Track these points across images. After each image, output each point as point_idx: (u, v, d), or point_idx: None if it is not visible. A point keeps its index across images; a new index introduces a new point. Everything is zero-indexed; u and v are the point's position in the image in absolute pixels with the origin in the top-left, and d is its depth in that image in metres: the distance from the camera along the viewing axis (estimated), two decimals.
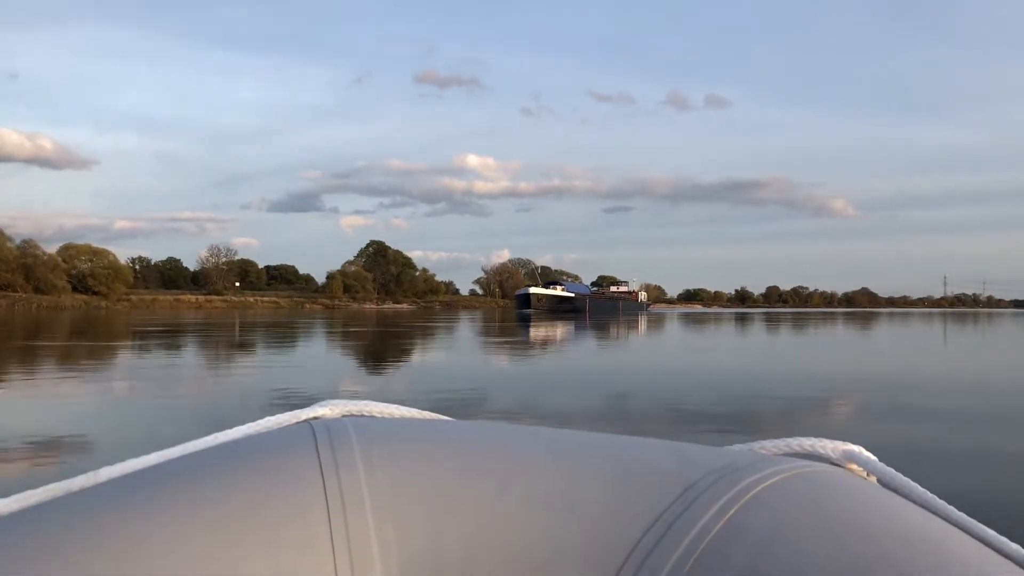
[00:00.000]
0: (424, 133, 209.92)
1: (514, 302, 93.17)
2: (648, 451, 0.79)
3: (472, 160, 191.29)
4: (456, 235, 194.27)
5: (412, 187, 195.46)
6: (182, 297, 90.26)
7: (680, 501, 0.70)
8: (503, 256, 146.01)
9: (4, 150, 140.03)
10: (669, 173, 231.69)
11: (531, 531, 0.70)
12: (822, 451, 0.82)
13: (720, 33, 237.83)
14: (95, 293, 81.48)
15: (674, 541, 0.66)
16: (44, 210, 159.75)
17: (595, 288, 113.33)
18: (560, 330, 28.61)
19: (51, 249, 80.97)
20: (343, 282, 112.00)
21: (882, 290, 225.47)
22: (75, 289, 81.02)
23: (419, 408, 0.93)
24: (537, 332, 26.62)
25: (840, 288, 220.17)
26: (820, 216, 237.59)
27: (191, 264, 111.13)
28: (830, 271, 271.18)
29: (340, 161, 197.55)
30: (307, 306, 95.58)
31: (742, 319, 52.90)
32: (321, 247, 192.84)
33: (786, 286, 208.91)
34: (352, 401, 0.89)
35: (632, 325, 35.91)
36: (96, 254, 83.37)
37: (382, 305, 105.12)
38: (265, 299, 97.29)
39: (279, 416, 0.85)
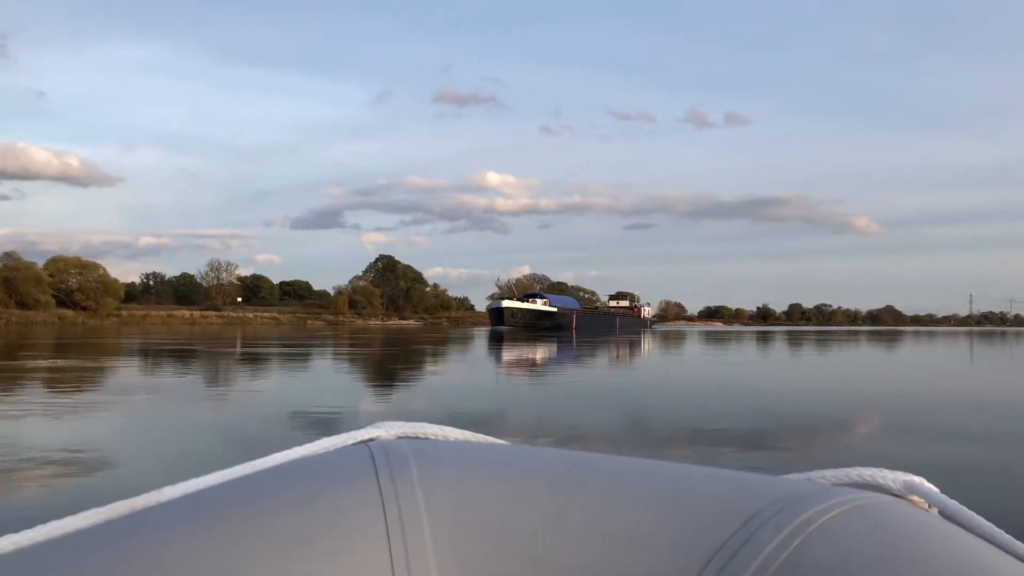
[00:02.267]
0: (444, 151, 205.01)
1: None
2: (708, 480, 0.77)
3: (492, 178, 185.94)
4: (477, 252, 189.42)
5: (433, 204, 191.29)
6: (176, 313, 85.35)
7: (742, 531, 0.68)
8: (523, 273, 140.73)
9: (32, 168, 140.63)
10: (689, 190, 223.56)
11: (591, 559, 0.69)
12: (883, 481, 0.79)
13: (738, 50, 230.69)
14: (83, 308, 76.83)
15: (736, 572, 0.65)
16: (71, 227, 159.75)
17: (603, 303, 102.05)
18: (522, 352, 22.71)
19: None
20: (350, 297, 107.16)
21: (907, 308, 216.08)
22: (63, 304, 76.42)
23: (472, 431, 0.91)
24: (490, 356, 20.71)
25: (864, 306, 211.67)
26: (842, 233, 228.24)
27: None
28: (854, 289, 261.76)
29: (362, 178, 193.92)
30: (310, 322, 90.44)
31: (764, 338, 46.39)
32: (343, 264, 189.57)
33: (809, 304, 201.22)
34: (408, 423, 0.87)
35: (627, 346, 29.56)
36: (85, 267, 78.70)
37: (387, 321, 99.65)
38: (265, 315, 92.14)
39: (336, 437, 0.84)
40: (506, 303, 75.69)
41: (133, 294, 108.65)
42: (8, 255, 73.50)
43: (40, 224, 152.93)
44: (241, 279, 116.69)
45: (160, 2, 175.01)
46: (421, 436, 0.85)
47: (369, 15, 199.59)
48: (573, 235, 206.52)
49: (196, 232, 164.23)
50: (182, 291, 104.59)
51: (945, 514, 0.74)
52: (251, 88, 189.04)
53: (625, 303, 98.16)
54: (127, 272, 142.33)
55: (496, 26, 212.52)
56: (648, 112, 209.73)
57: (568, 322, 75.36)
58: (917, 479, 0.78)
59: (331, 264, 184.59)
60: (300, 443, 0.81)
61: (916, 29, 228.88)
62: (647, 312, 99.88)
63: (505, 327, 68.85)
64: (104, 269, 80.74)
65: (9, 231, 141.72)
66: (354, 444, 0.82)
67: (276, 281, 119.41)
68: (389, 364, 17.01)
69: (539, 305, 77.10)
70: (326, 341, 31.50)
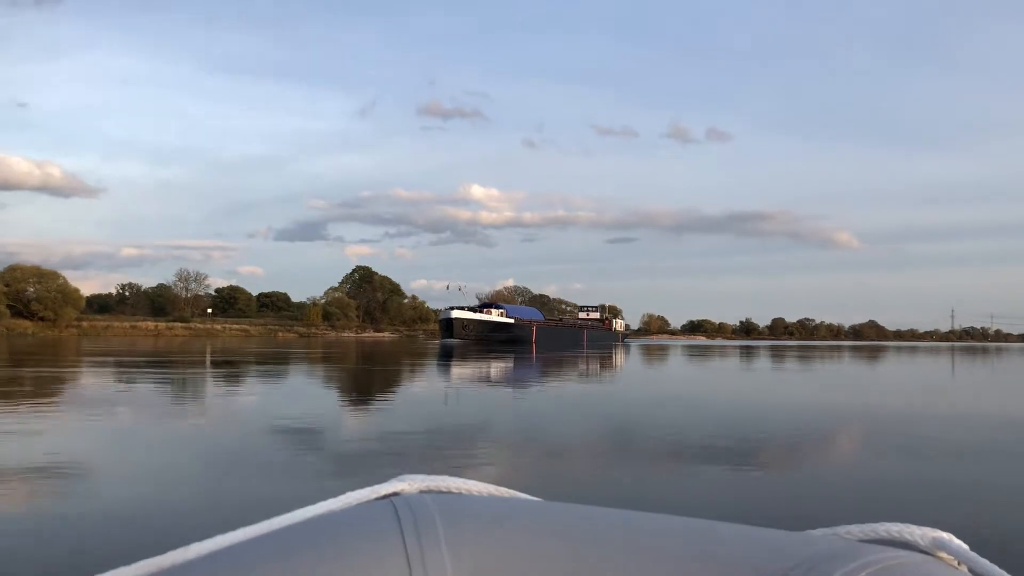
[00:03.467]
0: (429, 164, 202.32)
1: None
2: (735, 538, 0.75)
3: (476, 190, 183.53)
4: (461, 264, 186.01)
5: (417, 217, 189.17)
6: (140, 324, 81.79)
7: None
8: (507, 285, 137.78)
9: (13, 178, 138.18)
10: (673, 205, 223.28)
11: None
12: (910, 538, 0.76)
13: (720, 67, 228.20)
14: (41, 319, 73.24)
15: None
16: (52, 238, 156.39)
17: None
18: (459, 370, 19.52)
19: None
20: (325, 309, 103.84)
21: (889, 323, 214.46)
22: (20, 315, 72.82)
23: (495, 485, 0.90)
24: (410, 376, 17.52)
25: (847, 320, 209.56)
26: (825, 248, 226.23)
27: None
28: (836, 303, 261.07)
29: (346, 191, 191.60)
30: (280, 334, 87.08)
31: (747, 353, 43.16)
32: (326, 276, 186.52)
33: (792, 318, 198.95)
34: (431, 477, 0.86)
35: (593, 361, 26.35)
36: (43, 276, 75.07)
37: (361, 334, 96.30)
38: (235, 327, 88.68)
39: (359, 492, 0.83)
40: (456, 313, 67.64)
41: (109, 305, 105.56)
42: None
43: (21, 235, 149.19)
44: (218, 290, 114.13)
45: (143, 14, 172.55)
46: (444, 490, 0.84)
47: (354, 28, 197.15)
48: (557, 248, 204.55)
49: (178, 243, 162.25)
50: (158, 302, 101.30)
51: (975, 572, 0.72)
52: (234, 100, 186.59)
53: (595, 315, 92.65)
54: (109, 283, 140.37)
55: (480, 41, 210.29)
56: (631, 127, 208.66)
57: (527, 335, 68.85)
58: (946, 535, 0.76)
59: (314, 276, 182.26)
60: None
61: (899, 46, 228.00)
62: (619, 325, 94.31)
63: (456, 340, 62.39)
64: (64, 278, 77.19)
65: None
66: (378, 499, 0.81)
67: (258, 293, 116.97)
68: (253, 387, 13.88)
69: (494, 316, 69.72)
70: (264, 357, 28.21)
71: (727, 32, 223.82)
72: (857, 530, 0.79)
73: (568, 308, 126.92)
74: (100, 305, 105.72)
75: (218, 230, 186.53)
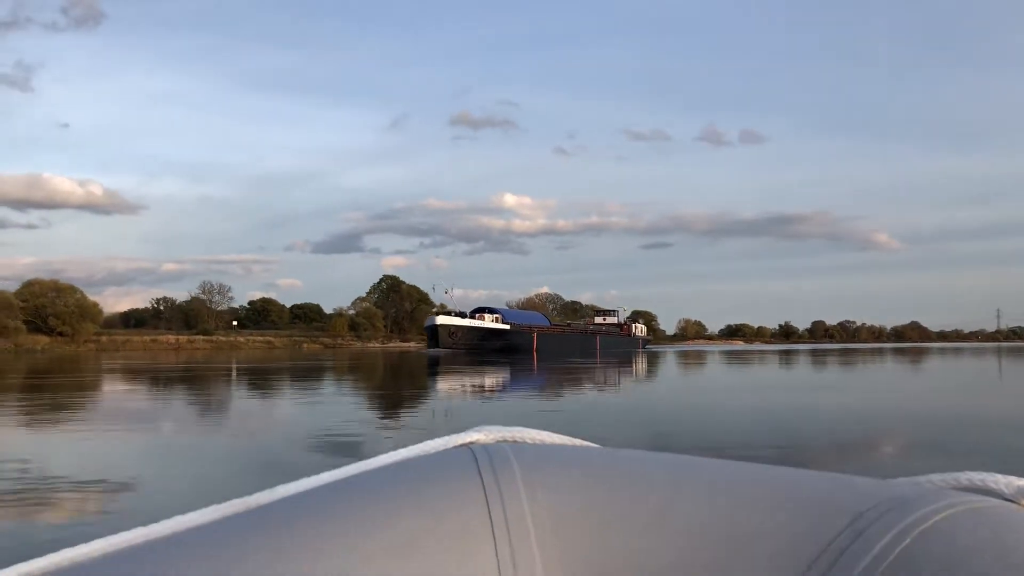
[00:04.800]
0: (461, 174, 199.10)
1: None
2: (812, 481, 0.74)
3: (509, 199, 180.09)
4: (496, 273, 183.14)
5: (451, 227, 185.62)
6: (160, 338, 79.74)
7: (848, 532, 0.66)
8: (539, 292, 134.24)
9: (57, 197, 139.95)
10: (708, 208, 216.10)
11: (694, 559, 0.67)
12: (994, 486, 0.75)
13: (752, 69, 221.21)
14: (60, 334, 71.49)
15: (844, 571, 0.63)
16: (96, 254, 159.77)
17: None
18: (438, 387, 16.00)
19: (90, 291, 73.08)
20: (352, 320, 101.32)
21: (932, 324, 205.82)
22: (39, 330, 71.16)
23: (569, 436, 0.89)
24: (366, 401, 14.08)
25: (889, 322, 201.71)
26: (864, 250, 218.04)
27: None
28: (877, 305, 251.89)
29: (380, 202, 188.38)
30: (306, 346, 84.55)
31: (787, 357, 38.92)
32: (362, 287, 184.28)
33: (832, 321, 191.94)
34: (506, 428, 0.86)
35: (605, 374, 22.44)
36: (60, 291, 73.30)
37: (387, 344, 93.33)
38: (259, 339, 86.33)
39: (438, 440, 0.83)
40: (441, 319, 60.04)
41: (144, 319, 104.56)
42: None
43: (65, 252, 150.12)
44: (251, 303, 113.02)
45: (179, 34, 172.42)
46: (519, 440, 0.84)
47: (385, 41, 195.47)
48: (592, 255, 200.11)
49: (218, 258, 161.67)
50: (191, 316, 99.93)
51: None
52: (269, 116, 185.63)
53: (613, 319, 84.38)
54: (151, 299, 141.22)
55: (510, 50, 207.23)
56: (663, 131, 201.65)
57: (526, 342, 61.20)
58: None
59: (351, 288, 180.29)
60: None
61: (936, 44, 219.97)
62: (640, 330, 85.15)
63: (442, 349, 55.81)
64: (82, 293, 75.36)
65: (35, 259, 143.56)
66: (457, 447, 0.81)
67: (291, 305, 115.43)
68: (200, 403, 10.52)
69: (486, 322, 62.06)
70: (274, 369, 25.06)
71: (759, 34, 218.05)
72: (939, 478, 0.77)
73: (606, 315, 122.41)
74: (137, 320, 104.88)
75: (257, 244, 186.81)
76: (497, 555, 0.67)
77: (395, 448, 0.81)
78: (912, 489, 0.71)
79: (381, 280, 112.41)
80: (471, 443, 0.82)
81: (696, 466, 0.77)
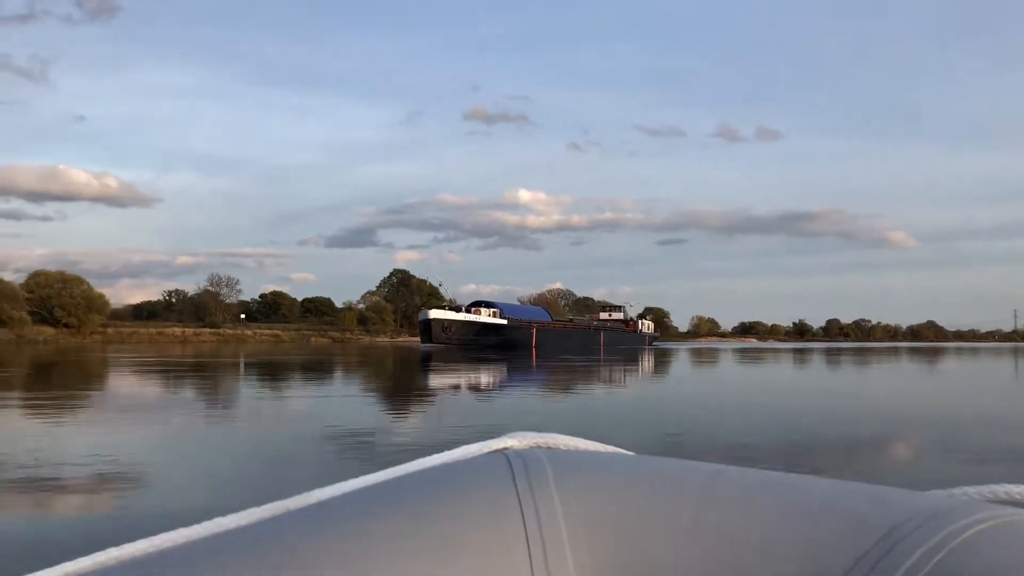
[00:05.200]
0: (475, 169, 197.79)
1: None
2: (845, 493, 0.73)
3: (523, 195, 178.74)
4: (509, 268, 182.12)
5: (464, 222, 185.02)
6: (166, 330, 78.96)
7: (881, 544, 0.64)
8: (551, 288, 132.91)
9: (72, 189, 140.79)
10: (722, 205, 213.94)
11: (727, 568, 0.67)
12: None
13: (768, 66, 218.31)
14: (66, 326, 70.79)
15: None
16: (111, 247, 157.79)
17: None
18: (421, 386, 14.75)
19: (104, 283, 72.64)
20: (361, 313, 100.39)
21: (948, 323, 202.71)
22: (45, 321, 70.47)
23: (600, 442, 0.88)
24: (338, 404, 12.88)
25: (904, 321, 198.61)
26: (879, 248, 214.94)
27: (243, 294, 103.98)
28: (893, 304, 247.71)
29: (394, 197, 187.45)
30: (314, 339, 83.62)
31: (801, 356, 37.50)
32: (376, 282, 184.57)
33: (847, 319, 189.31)
34: (540, 434, 0.85)
35: (600, 373, 21.24)
36: (66, 282, 72.54)
37: (396, 338, 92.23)
38: (266, 332, 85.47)
39: (472, 446, 0.82)
40: (434, 313, 57.50)
41: (156, 311, 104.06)
42: None
43: (81, 244, 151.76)
44: (262, 296, 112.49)
45: (193, 28, 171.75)
46: (552, 446, 0.83)
47: (398, 36, 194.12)
48: (606, 251, 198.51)
49: (232, 251, 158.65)
50: (202, 309, 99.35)
51: None
52: (283, 110, 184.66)
53: (618, 315, 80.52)
54: (163, 291, 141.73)
55: (524, 45, 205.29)
56: (678, 127, 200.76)
57: (525, 337, 58.37)
58: None
59: (365, 282, 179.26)
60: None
61: (952, 41, 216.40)
62: (647, 326, 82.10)
63: (434, 345, 53.47)
64: (88, 284, 74.56)
65: (51, 251, 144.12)
66: (491, 453, 0.81)
67: (303, 298, 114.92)
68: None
69: (482, 316, 59.35)
70: (271, 362, 23.98)
71: (775, 30, 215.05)
72: (973, 491, 0.75)
73: (609, 311, 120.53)
74: (149, 312, 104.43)
75: (271, 238, 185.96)
76: (531, 561, 0.67)
77: (429, 454, 0.80)
78: (946, 501, 0.69)
79: (391, 274, 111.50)
80: (505, 449, 0.81)
81: (728, 475, 0.76)
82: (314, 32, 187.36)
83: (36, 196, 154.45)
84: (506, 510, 0.70)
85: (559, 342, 59.78)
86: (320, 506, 0.72)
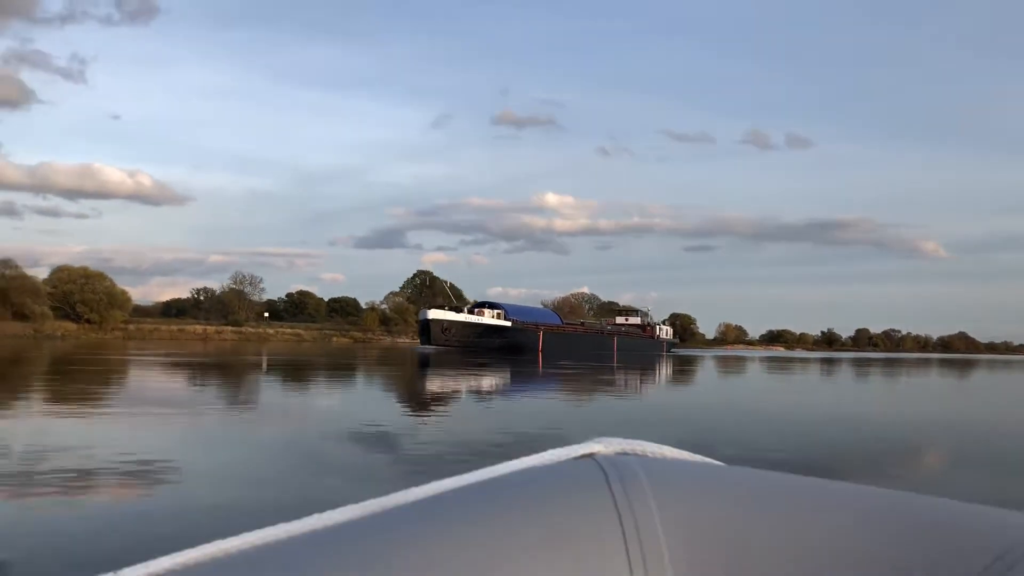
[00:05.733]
0: (503, 172, 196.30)
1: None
2: (955, 513, 0.70)
3: (551, 198, 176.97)
4: (536, 272, 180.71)
5: (492, 224, 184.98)
6: (188, 328, 78.59)
7: (994, 567, 0.62)
8: (575, 293, 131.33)
9: (107, 187, 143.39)
10: (752, 212, 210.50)
11: None
12: None
13: (800, 73, 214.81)
14: (88, 321, 70.55)
15: None
16: (144, 244, 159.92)
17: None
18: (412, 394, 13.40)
19: (137, 280, 72.82)
20: (384, 314, 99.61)
21: (981, 335, 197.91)
22: (68, 317, 70.30)
23: (688, 451, 0.85)
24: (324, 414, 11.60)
25: (935, 332, 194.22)
26: (910, 258, 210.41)
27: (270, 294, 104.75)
28: (923, 314, 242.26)
29: (423, 199, 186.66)
30: (335, 339, 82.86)
31: (831, 366, 35.72)
32: (401, 283, 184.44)
33: (876, 329, 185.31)
34: (626, 440, 0.81)
35: (609, 379, 19.86)
36: (89, 278, 72.29)
37: (416, 339, 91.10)
38: (287, 331, 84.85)
39: (558, 450, 0.79)
40: (433, 313, 54.43)
41: (185, 309, 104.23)
42: (5, 263, 67.70)
43: (115, 241, 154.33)
44: (289, 295, 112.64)
45: (228, 29, 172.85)
46: (639, 453, 0.80)
47: (430, 38, 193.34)
48: (633, 256, 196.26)
49: (263, 251, 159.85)
50: (229, 307, 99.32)
51: None
52: (315, 110, 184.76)
53: (635, 320, 76.67)
54: (193, 288, 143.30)
55: (553, 49, 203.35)
56: (708, 133, 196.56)
57: (531, 341, 55.33)
58: None
59: (393, 283, 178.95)
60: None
61: (986, 49, 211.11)
62: (665, 332, 77.67)
63: (433, 347, 50.98)
64: (111, 281, 74.38)
65: (86, 248, 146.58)
66: (581, 457, 0.78)
67: (333, 298, 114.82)
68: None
69: (486, 317, 56.19)
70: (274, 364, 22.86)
71: (807, 36, 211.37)
72: None
73: (630, 315, 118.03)
74: (178, 309, 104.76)
75: (301, 238, 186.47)
76: (630, 568, 0.65)
77: (517, 456, 0.77)
78: None
79: (415, 275, 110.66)
80: (593, 454, 0.78)
81: (829, 490, 0.73)
82: (346, 34, 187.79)
83: (72, 194, 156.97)
84: (603, 516, 0.68)
85: (568, 346, 56.99)
86: (417, 505, 0.71)
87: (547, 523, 0.67)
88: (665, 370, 27.42)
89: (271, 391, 13.32)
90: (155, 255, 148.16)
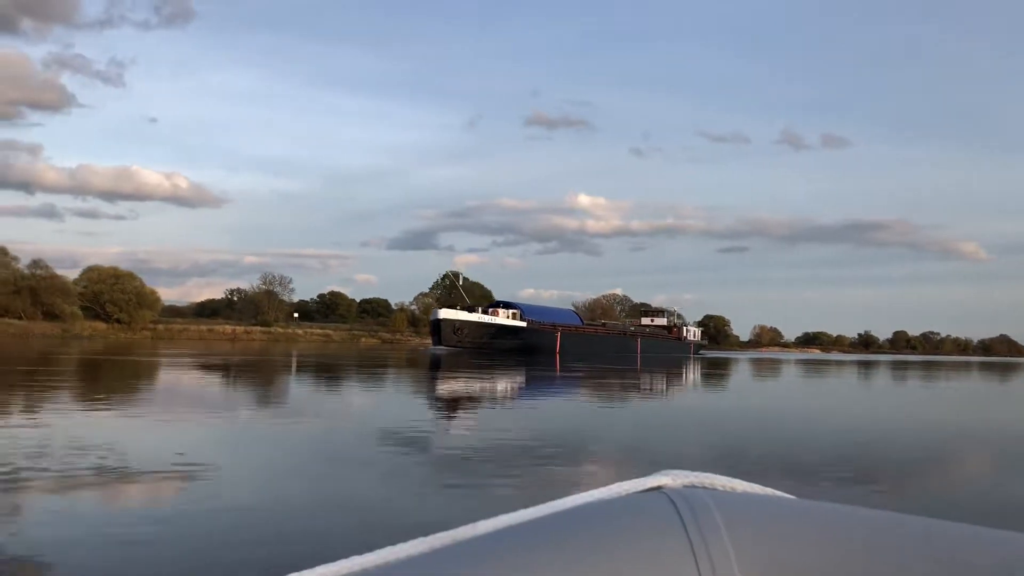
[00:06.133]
0: (535, 173, 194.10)
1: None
2: None
3: (583, 199, 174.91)
4: (568, 273, 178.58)
5: (524, 226, 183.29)
6: (216, 328, 78.45)
7: None
8: (606, 294, 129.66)
9: (144, 189, 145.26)
10: (786, 213, 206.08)
11: None
12: None
13: (835, 73, 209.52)
14: (118, 321, 70.67)
15: None
16: (181, 246, 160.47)
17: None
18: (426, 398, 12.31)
19: (175, 281, 73.16)
20: (413, 315, 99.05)
21: (1023, 338, 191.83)
22: (97, 317, 70.51)
23: (758, 484, 0.84)
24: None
25: (975, 335, 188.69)
26: (948, 259, 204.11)
27: (298, 295, 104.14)
28: (963, 316, 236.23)
29: (455, 200, 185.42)
30: (363, 340, 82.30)
31: (870, 369, 33.94)
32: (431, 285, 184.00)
33: (914, 331, 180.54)
34: (694, 473, 0.81)
35: (629, 383, 18.64)
36: (119, 278, 72.43)
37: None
38: (316, 332, 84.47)
39: (625, 483, 0.79)
40: (444, 313, 51.93)
41: (218, 309, 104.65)
42: (36, 263, 68.05)
43: (152, 243, 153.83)
44: (320, 296, 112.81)
45: (263, 33, 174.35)
46: (709, 486, 0.79)
47: (460, 40, 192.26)
48: (666, 258, 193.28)
49: (297, 252, 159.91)
50: (261, 307, 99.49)
51: None
52: (348, 113, 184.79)
53: (661, 321, 73.39)
54: (227, 289, 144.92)
55: (585, 49, 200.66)
56: (742, 134, 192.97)
57: (548, 342, 53.29)
58: None
59: (424, 285, 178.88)
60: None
61: None
62: (692, 334, 74.80)
63: (444, 348, 49.17)
64: (141, 281, 74.39)
65: (124, 249, 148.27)
66: (650, 491, 0.77)
67: (364, 299, 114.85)
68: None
69: (500, 318, 53.69)
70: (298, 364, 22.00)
71: (843, 35, 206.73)
72: None
73: (662, 315, 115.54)
74: (212, 310, 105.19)
75: (335, 239, 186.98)
76: None
77: (583, 489, 0.77)
78: None
79: (444, 276, 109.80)
80: (661, 487, 0.77)
81: (906, 524, 0.71)
82: (378, 37, 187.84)
83: (110, 195, 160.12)
84: (677, 552, 0.66)
85: (588, 347, 54.97)
86: (483, 539, 0.70)
87: (620, 560, 0.65)
88: (692, 373, 25.94)
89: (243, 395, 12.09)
90: (192, 256, 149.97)
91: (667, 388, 16.39)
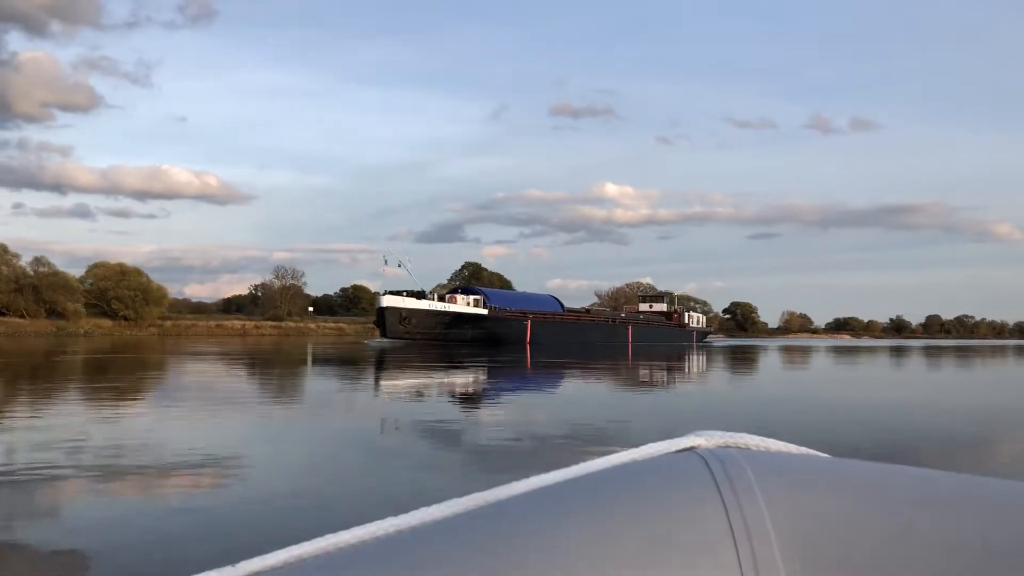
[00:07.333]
0: (561, 163, 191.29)
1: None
2: None
3: (610, 189, 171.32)
4: (597, 263, 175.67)
5: (551, 216, 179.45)
6: (225, 323, 76.36)
7: None
8: (631, 283, 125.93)
9: (175, 188, 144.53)
10: (816, 198, 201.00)
11: (943, 574, 0.63)
12: None
13: (864, 52, 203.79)
14: (124, 318, 68.80)
15: None
16: (211, 243, 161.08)
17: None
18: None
19: (206, 278, 71.56)
20: None
21: None
22: (104, 314, 68.72)
23: (793, 443, 0.82)
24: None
25: (1011, 318, 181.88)
26: (983, 241, 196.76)
27: (327, 290, 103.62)
28: (998, 299, 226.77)
29: (481, 192, 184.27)
30: (376, 332, 79.74)
31: (898, 354, 30.25)
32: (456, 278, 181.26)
33: (948, 315, 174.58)
34: (727, 433, 0.80)
35: (605, 380, 16.02)
36: (125, 275, 70.47)
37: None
38: (330, 325, 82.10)
39: (658, 444, 0.78)
40: (388, 300, 43.86)
41: (243, 304, 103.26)
42: (38, 260, 66.37)
43: (182, 240, 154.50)
44: (343, 290, 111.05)
45: (288, 28, 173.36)
46: (742, 446, 0.78)
47: (485, 31, 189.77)
48: (695, 246, 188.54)
49: (326, 247, 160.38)
50: (274, 300, 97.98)
51: None
52: (373, 108, 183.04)
53: (660, 307, 66.13)
54: (251, 284, 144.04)
55: (609, 37, 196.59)
56: (769, 119, 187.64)
57: (515, 332, 47.27)
58: None
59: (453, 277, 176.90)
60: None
61: None
62: (696, 320, 67.40)
63: (389, 340, 43.20)
64: (147, 277, 72.55)
65: (155, 247, 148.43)
66: (683, 451, 0.76)
67: (384, 292, 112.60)
68: None
69: (458, 304, 47.27)
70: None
71: (869, 16, 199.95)
72: None
73: (695, 306, 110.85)
74: (237, 305, 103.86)
75: (363, 234, 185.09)
76: (740, 565, 0.63)
77: (614, 451, 0.77)
78: None
79: (463, 267, 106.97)
80: (694, 447, 0.76)
81: (939, 481, 0.70)
82: (401, 31, 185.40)
83: (141, 195, 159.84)
84: (711, 511, 0.66)
85: (566, 336, 49.39)
86: (519, 499, 0.69)
87: (654, 520, 0.65)
88: (695, 362, 22.55)
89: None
90: (223, 253, 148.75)
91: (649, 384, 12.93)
